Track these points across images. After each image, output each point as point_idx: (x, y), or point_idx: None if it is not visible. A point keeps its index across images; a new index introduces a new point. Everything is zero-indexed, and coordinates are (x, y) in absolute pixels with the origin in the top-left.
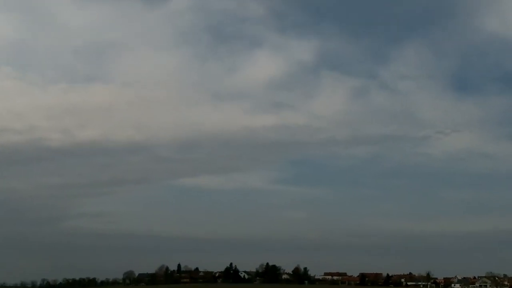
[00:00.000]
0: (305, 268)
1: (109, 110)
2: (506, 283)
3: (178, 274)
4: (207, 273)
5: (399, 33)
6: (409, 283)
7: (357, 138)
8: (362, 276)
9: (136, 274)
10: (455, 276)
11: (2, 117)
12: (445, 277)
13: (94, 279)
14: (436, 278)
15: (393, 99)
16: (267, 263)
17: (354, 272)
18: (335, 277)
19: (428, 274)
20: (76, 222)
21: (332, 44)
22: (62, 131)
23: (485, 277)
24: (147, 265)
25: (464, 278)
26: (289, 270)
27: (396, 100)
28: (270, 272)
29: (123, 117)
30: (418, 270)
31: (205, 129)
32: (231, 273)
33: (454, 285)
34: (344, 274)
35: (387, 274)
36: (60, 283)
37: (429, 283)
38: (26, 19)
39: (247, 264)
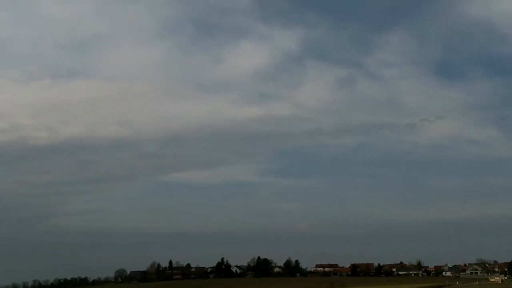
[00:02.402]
0: (296, 261)
1: (93, 105)
2: (496, 269)
3: (169, 271)
4: (198, 269)
5: (383, 21)
6: (400, 273)
7: (343, 128)
8: (354, 266)
9: (128, 272)
10: (446, 264)
11: None
12: (435, 265)
13: (85, 278)
14: (427, 267)
15: (378, 87)
16: (259, 257)
17: (346, 263)
18: (326, 269)
19: (419, 263)
20: (64, 221)
21: (317, 33)
22: (46, 129)
23: (475, 264)
24: (139, 263)
25: (454, 265)
26: (281, 263)
27: (381, 88)
28: (262, 266)
29: (107, 112)
30: (409, 259)
31: (191, 122)
32: (223, 268)
33: (445, 273)
34: (336, 266)
35: (378, 264)
36: (52, 283)
37: (420, 272)
38: (7, 14)
39: (239, 258)
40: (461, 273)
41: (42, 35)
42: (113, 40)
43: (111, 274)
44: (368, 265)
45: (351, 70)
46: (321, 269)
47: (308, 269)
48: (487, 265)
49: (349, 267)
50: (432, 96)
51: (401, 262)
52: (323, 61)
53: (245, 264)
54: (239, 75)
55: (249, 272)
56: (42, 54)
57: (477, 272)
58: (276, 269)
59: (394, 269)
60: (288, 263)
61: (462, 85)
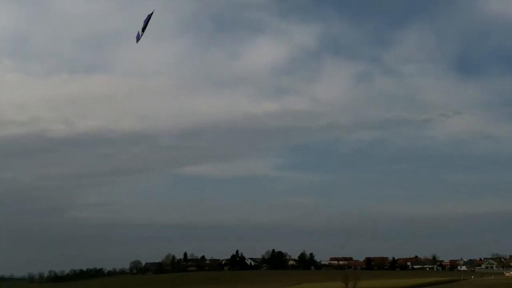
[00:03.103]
0: (311, 254)
1: (110, 99)
2: None
3: (184, 263)
4: (213, 261)
5: (401, 17)
6: (415, 266)
7: (360, 123)
8: (368, 260)
9: (143, 263)
10: (461, 259)
11: (4, 110)
12: (451, 259)
13: (101, 269)
14: (442, 261)
15: (396, 83)
16: (273, 250)
17: (360, 257)
18: (341, 262)
19: (434, 257)
20: (80, 213)
21: (334, 28)
22: (64, 122)
23: (491, 258)
24: (154, 254)
25: (470, 260)
26: (295, 256)
27: (398, 84)
28: (276, 259)
29: (124, 106)
30: (424, 253)
31: (207, 116)
32: (237, 261)
33: (460, 267)
34: (350, 259)
35: (393, 258)
36: (68, 274)
37: (435, 266)
38: (26, 10)
39: (253, 251)
40: (476, 268)
41: (61, 31)
42: (131, 36)
43: (126, 266)
44: (383, 259)
45: (369, 66)
46: (336, 262)
47: (322, 262)
48: (502, 259)
49: (363, 260)
50: (450, 92)
51: (416, 256)
52: (341, 57)
53: (260, 256)
54: (256, 70)
55: (264, 264)
56: (61, 49)
57: (492, 267)
58: (291, 262)
59: (409, 263)
60: (302, 256)
61: (480, 81)
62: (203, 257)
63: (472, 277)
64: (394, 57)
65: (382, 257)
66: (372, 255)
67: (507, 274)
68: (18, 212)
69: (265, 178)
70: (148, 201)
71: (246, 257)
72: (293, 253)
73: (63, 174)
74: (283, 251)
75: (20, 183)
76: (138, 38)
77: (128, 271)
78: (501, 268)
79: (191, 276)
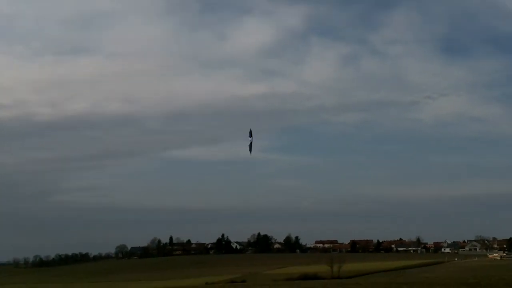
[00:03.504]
0: (296, 237)
1: (97, 82)
2: (495, 246)
3: (170, 247)
4: (199, 244)
5: None
6: (399, 249)
7: (347, 105)
8: (353, 243)
9: (129, 248)
10: (445, 241)
11: None
12: (435, 241)
13: (86, 254)
14: (426, 243)
15: (383, 65)
16: (259, 233)
17: (345, 240)
18: (326, 245)
19: (418, 239)
20: (66, 197)
21: (322, 9)
22: (51, 105)
23: (474, 240)
24: (140, 239)
25: (453, 242)
26: (281, 239)
27: (385, 65)
28: (262, 242)
29: (111, 89)
30: (409, 235)
31: (194, 99)
32: (223, 244)
33: (444, 249)
34: (335, 242)
35: (378, 240)
36: (53, 259)
37: (419, 248)
38: None
39: (239, 234)
40: (460, 250)
41: (46, 11)
42: (118, 17)
43: (112, 250)
44: (368, 242)
45: (356, 47)
46: (321, 245)
47: (308, 246)
48: (486, 241)
49: (348, 243)
50: (437, 73)
51: (401, 239)
52: (328, 38)
53: (245, 240)
54: (243, 51)
55: (249, 248)
56: (46, 30)
57: (476, 249)
58: (276, 245)
59: (393, 246)
60: (288, 239)
61: (467, 63)
62: (188, 241)
63: (456, 259)
64: (381, 39)
65: (367, 240)
66: (357, 238)
67: (490, 256)
68: (3, 196)
69: (252, 161)
70: (135, 185)
71: (232, 240)
72: (279, 237)
73: (49, 157)
74: (268, 235)
75: (5, 167)
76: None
77: (113, 256)
78: (485, 250)
79: (176, 260)
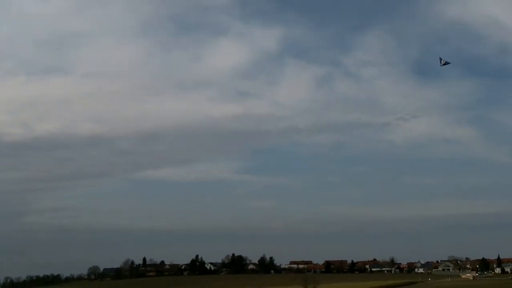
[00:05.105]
0: (271, 258)
1: (69, 102)
2: (468, 266)
3: (143, 268)
4: (173, 266)
5: (362, 21)
6: (373, 269)
7: (320, 126)
8: (327, 263)
9: (101, 269)
10: (418, 261)
11: None
12: (408, 262)
13: (58, 275)
14: (400, 264)
15: (356, 87)
16: (233, 254)
17: (319, 260)
18: (300, 266)
19: (392, 260)
20: (37, 218)
21: (296, 31)
22: (21, 125)
23: (447, 261)
24: (112, 260)
25: (427, 262)
26: (255, 260)
27: (359, 87)
28: (236, 263)
29: (83, 109)
30: (382, 256)
31: (168, 120)
32: (197, 265)
33: (418, 269)
34: (310, 262)
35: (352, 261)
36: (24, 280)
37: (393, 268)
38: None
39: (213, 255)
40: (434, 270)
41: (19, 32)
42: (92, 38)
43: (84, 271)
44: (342, 262)
45: (330, 69)
46: (295, 266)
47: (282, 266)
48: (459, 262)
49: (323, 263)
50: (409, 95)
51: (375, 259)
52: (302, 60)
53: (220, 261)
54: (217, 73)
55: (224, 269)
56: (19, 50)
57: (449, 269)
58: (251, 266)
59: (367, 266)
60: (262, 260)
61: (438, 85)
62: (162, 262)
63: (429, 279)
64: (355, 61)
65: (341, 260)
66: (331, 258)
67: (463, 276)
68: None
69: (225, 181)
70: (107, 206)
71: (206, 261)
72: (253, 257)
73: (20, 178)
74: (243, 255)
75: None
76: None
77: (86, 277)
78: (458, 270)
79: (150, 281)
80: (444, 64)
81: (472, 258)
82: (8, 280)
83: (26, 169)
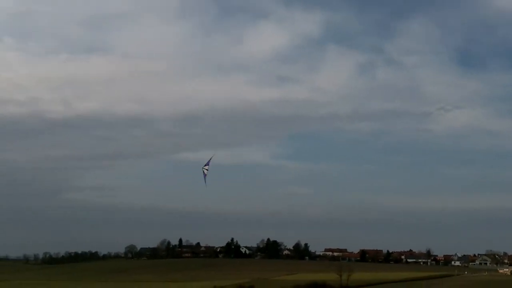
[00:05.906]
0: (305, 244)
1: (110, 82)
2: (506, 261)
3: (179, 249)
4: (208, 248)
5: (405, 7)
6: (409, 260)
7: (360, 114)
8: (363, 252)
9: (138, 248)
10: (455, 254)
11: (4, 88)
12: (445, 254)
13: (96, 252)
14: (436, 256)
15: (398, 75)
16: (268, 239)
17: (355, 249)
18: (335, 253)
19: (428, 251)
20: (77, 195)
21: (338, 17)
22: (63, 103)
23: (485, 255)
24: (149, 239)
25: (464, 255)
26: (290, 246)
27: (400, 75)
28: (271, 248)
29: (124, 89)
30: (419, 247)
31: (207, 102)
32: (232, 248)
33: (454, 262)
34: (345, 251)
35: (387, 251)
36: (63, 256)
37: (429, 260)
38: None
39: (248, 239)
40: (470, 264)
41: (63, 11)
42: (134, 18)
43: (121, 250)
44: (377, 252)
45: (372, 56)
46: (330, 253)
47: (317, 253)
48: (496, 256)
49: (358, 252)
50: (452, 85)
51: (410, 250)
52: (344, 46)
53: (255, 245)
54: (258, 56)
55: (258, 253)
56: (62, 29)
57: (486, 263)
58: (285, 252)
59: (403, 257)
60: (297, 246)
61: (482, 76)
62: (198, 243)
63: (466, 272)
64: (397, 48)
65: (377, 250)
66: (366, 247)
67: (500, 271)
68: (14, 193)
69: (263, 166)
70: (146, 186)
71: (241, 245)
72: (288, 243)
73: (61, 156)
74: (278, 241)
75: (17, 164)
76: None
77: (123, 255)
78: (495, 265)
79: (186, 262)
80: None
81: (510, 253)
82: (47, 256)
83: (67, 147)
